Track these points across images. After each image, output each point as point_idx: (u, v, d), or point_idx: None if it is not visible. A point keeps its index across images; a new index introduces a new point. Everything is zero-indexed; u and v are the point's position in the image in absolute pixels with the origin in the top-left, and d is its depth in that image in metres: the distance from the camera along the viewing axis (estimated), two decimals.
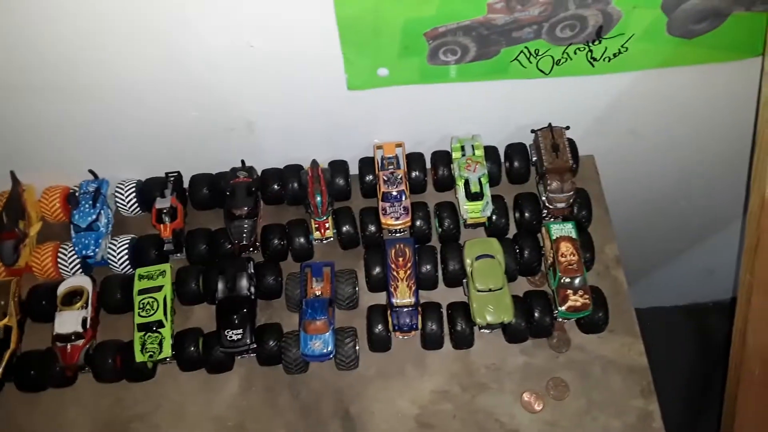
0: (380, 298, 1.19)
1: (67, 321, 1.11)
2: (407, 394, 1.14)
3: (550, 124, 1.21)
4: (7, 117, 1.15)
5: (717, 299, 2.11)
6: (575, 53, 1.07)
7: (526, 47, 1.03)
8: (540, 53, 1.05)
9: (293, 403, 1.14)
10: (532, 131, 1.22)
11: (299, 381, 1.16)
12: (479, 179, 1.18)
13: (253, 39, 0.99)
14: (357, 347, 1.13)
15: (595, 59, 1.08)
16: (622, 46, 1.05)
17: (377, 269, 1.18)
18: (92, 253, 1.19)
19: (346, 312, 1.19)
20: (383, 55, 1.02)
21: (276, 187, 1.27)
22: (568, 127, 1.22)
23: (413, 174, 1.25)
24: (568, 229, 1.13)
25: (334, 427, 1.12)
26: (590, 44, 1.05)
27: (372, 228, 1.22)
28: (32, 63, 1.03)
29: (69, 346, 1.10)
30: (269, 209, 1.29)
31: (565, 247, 1.11)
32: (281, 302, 1.21)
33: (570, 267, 1.10)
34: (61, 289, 1.15)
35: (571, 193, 1.17)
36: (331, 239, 1.24)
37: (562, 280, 1.10)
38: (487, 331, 1.15)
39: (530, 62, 1.06)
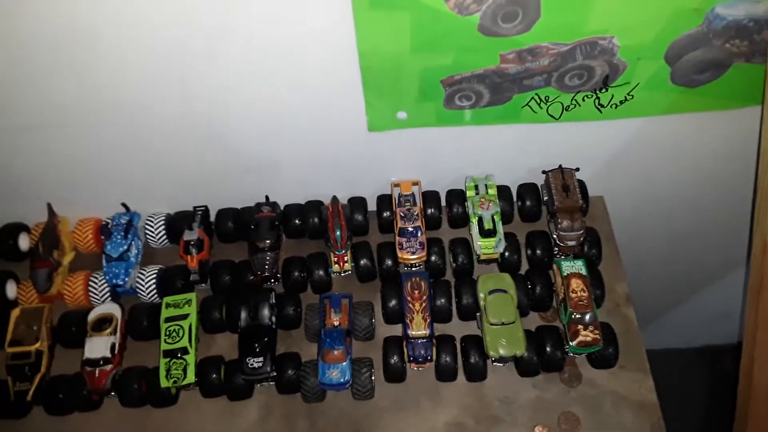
0: (396, 330, 1.23)
1: (97, 346, 1.16)
2: (421, 425, 1.17)
3: (560, 166, 1.27)
4: (47, 152, 1.22)
5: (731, 342, 2.11)
6: (583, 100, 1.13)
7: (536, 94, 1.09)
8: (550, 99, 1.11)
9: (310, 431, 1.17)
10: (544, 172, 1.28)
11: (316, 409, 1.19)
12: (492, 217, 1.23)
13: (281, 83, 1.07)
14: (373, 378, 1.17)
15: (602, 106, 1.14)
16: (628, 94, 1.12)
17: (393, 302, 1.22)
18: (122, 282, 1.24)
19: (363, 343, 1.23)
20: (402, 100, 1.09)
21: (297, 221, 1.33)
22: (577, 169, 1.27)
23: (429, 211, 1.31)
24: (579, 266, 1.18)
25: None
26: (597, 92, 1.11)
27: (389, 262, 1.27)
28: (71, 101, 1.10)
29: (97, 371, 1.15)
30: (290, 243, 1.35)
31: (576, 284, 1.15)
32: (300, 332, 1.25)
33: (580, 303, 1.13)
34: (92, 316, 1.20)
35: (581, 231, 1.22)
36: (349, 272, 1.29)
37: (572, 316, 1.14)
38: (500, 364, 1.18)
39: (541, 108, 1.12)
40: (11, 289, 1.29)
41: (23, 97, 1.09)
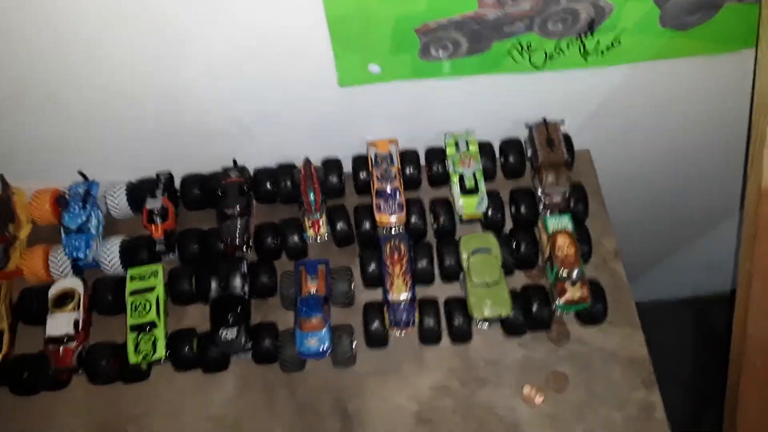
0: (376, 294, 1.19)
1: (59, 323, 1.10)
2: (406, 390, 1.13)
3: (544, 119, 1.21)
4: None
5: (718, 291, 2.11)
6: (568, 47, 1.06)
7: (518, 41, 1.02)
8: (532, 47, 1.04)
9: (290, 402, 1.13)
10: (527, 126, 1.22)
11: (296, 379, 1.14)
12: (474, 174, 1.17)
13: (244, 40, 0.98)
14: (354, 344, 1.13)
15: (587, 53, 1.08)
16: (614, 39, 1.05)
17: (372, 266, 1.17)
18: (83, 255, 1.17)
19: (342, 309, 1.19)
20: (374, 52, 1.01)
21: (269, 186, 1.26)
22: (562, 121, 1.21)
23: (407, 170, 1.24)
24: (565, 222, 1.13)
25: (333, 425, 1.11)
26: (582, 37, 1.04)
27: (367, 225, 1.21)
28: (22, 68, 1.02)
29: (62, 349, 1.09)
30: (262, 208, 1.28)
31: (562, 240, 1.11)
32: (276, 300, 1.20)
33: (567, 260, 1.09)
34: (52, 292, 1.14)
35: (567, 186, 1.17)
36: (325, 237, 1.23)
37: (559, 274, 1.10)
38: (485, 325, 1.14)
39: (522, 57, 1.05)
40: None
41: None
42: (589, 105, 1.25)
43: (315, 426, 1.11)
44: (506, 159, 1.24)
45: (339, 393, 1.14)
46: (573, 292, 1.09)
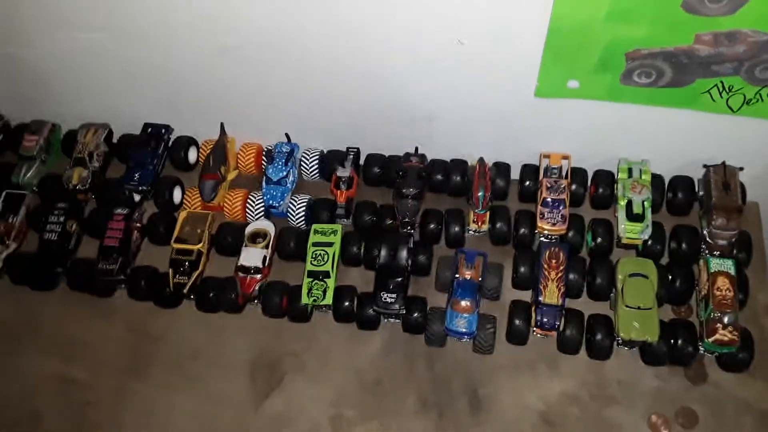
0: (521, 295, 1.26)
1: (251, 256, 1.28)
2: (536, 390, 1.20)
3: (723, 162, 1.23)
4: (224, 78, 1.34)
5: None
6: None
7: (721, 81, 1.06)
8: (733, 89, 1.08)
9: (427, 373, 1.24)
10: (705, 166, 1.24)
11: (435, 354, 1.25)
12: (643, 202, 1.22)
13: (463, 37, 1.10)
14: (495, 335, 1.21)
15: None
16: None
17: (524, 269, 1.25)
18: (277, 204, 1.35)
19: (487, 303, 1.27)
20: (578, 68, 1.09)
21: (440, 177, 1.38)
22: (742, 168, 1.23)
23: (573, 187, 1.31)
24: (728, 265, 1.15)
25: (462, 403, 1.20)
26: None
27: (524, 230, 1.29)
28: (268, 24, 1.18)
29: (248, 278, 1.27)
30: (429, 196, 1.40)
31: (722, 282, 1.13)
32: (427, 280, 1.31)
33: (724, 302, 1.11)
34: (250, 229, 1.32)
35: (735, 232, 1.18)
36: (485, 232, 1.32)
37: (713, 314, 1.12)
38: (626, 348, 1.18)
39: (721, 97, 1.09)
40: (177, 195, 1.44)
41: (230, 16, 1.19)
42: None
43: (445, 400, 1.21)
44: (675, 194, 1.27)
45: (472, 376, 1.22)
46: (724, 334, 1.10)
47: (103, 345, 1.31)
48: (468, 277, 1.23)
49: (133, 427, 1.23)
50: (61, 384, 1.28)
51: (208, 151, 1.42)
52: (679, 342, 1.14)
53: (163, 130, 1.46)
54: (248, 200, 1.39)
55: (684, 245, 1.22)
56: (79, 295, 1.35)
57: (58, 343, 1.32)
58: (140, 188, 1.40)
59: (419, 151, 1.39)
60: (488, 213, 1.31)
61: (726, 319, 1.11)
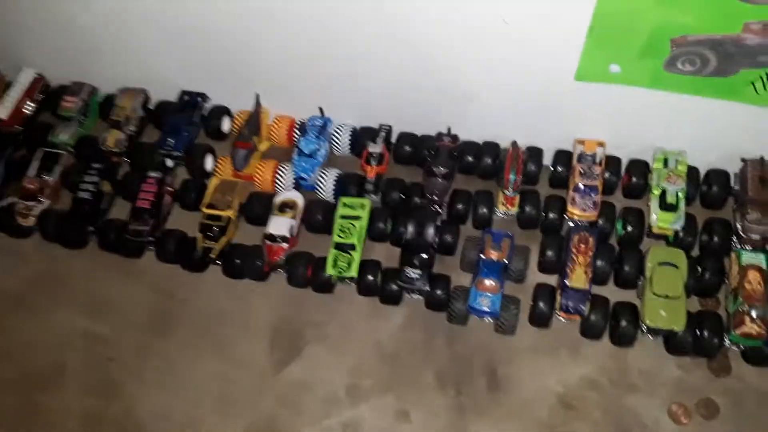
0: (545, 279, 1.26)
1: (279, 225, 1.29)
2: (555, 373, 1.20)
3: (762, 157, 1.21)
4: (260, 49, 1.35)
5: None
6: None
7: (766, 72, 1.04)
8: None
9: (446, 350, 1.24)
10: (743, 160, 1.23)
11: (456, 332, 1.25)
12: (677, 192, 1.20)
13: (507, 15, 1.10)
14: (518, 317, 1.21)
15: None
16: None
17: (551, 253, 1.25)
18: (307, 177, 1.36)
19: (511, 285, 1.27)
20: (622, 52, 1.08)
21: (471, 158, 1.38)
22: None
23: (606, 174, 1.30)
24: (761, 259, 1.13)
25: (480, 382, 1.20)
26: None
27: (553, 215, 1.29)
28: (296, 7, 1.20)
29: (275, 246, 1.28)
30: (458, 177, 1.40)
31: (753, 276, 1.12)
32: (452, 260, 1.31)
33: (754, 294, 1.10)
34: (279, 198, 1.34)
35: None
36: (513, 215, 1.32)
37: (741, 307, 1.10)
38: (650, 336, 1.17)
39: (765, 89, 1.07)
40: (209, 162, 1.45)
41: None
42: None
43: (463, 377, 1.21)
44: (710, 187, 1.26)
45: (492, 356, 1.23)
46: (752, 327, 1.09)
47: (129, 304, 1.34)
48: (494, 257, 1.23)
49: (154, 385, 1.25)
50: (87, 339, 1.30)
51: (242, 122, 1.44)
52: (705, 333, 1.13)
53: (200, 99, 1.48)
54: (278, 171, 1.40)
55: (715, 238, 1.21)
56: (109, 255, 1.38)
57: (86, 300, 1.35)
58: (174, 154, 1.42)
59: (452, 132, 1.39)
60: (518, 196, 1.31)
61: (754, 313, 1.10)
